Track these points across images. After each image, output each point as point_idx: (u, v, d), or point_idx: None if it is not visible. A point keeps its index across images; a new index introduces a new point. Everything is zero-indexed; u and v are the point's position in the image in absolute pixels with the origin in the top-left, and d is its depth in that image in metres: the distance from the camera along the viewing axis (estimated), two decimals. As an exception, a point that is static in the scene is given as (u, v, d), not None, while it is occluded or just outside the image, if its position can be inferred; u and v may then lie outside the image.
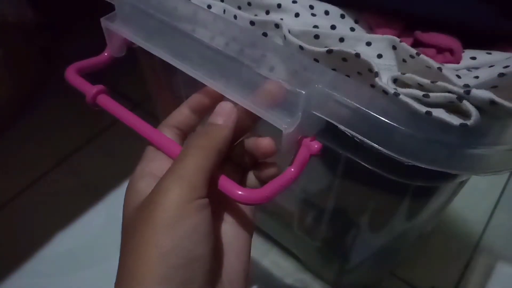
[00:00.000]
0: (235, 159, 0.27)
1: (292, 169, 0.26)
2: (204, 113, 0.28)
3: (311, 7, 0.28)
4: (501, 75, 0.23)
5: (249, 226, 0.26)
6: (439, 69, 0.24)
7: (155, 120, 0.36)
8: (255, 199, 0.24)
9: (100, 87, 0.30)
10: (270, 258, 0.48)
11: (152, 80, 0.41)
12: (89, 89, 0.30)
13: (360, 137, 0.23)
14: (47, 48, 0.66)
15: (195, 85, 0.31)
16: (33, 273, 0.46)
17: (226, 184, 0.25)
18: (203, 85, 0.28)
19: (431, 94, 0.23)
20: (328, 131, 0.25)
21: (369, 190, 0.30)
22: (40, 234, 0.50)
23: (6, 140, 0.58)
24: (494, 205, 0.54)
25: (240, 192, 0.24)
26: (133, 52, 0.33)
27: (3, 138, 0.58)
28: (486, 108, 0.22)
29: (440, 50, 0.27)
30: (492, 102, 0.22)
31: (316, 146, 0.26)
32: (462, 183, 0.33)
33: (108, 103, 0.30)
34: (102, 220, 0.51)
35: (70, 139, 0.59)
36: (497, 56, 0.26)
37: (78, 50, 0.70)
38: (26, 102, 0.62)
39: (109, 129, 0.60)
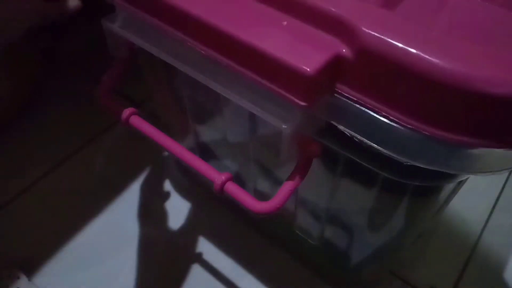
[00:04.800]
0: None
1: (296, 175, 0.27)
2: None
3: None
4: None
5: None
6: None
7: (156, 120, 0.36)
8: (267, 209, 0.27)
9: (132, 109, 0.32)
10: (270, 257, 0.48)
11: (152, 80, 0.41)
12: (123, 112, 0.32)
13: (359, 137, 0.24)
14: (47, 48, 0.66)
15: (195, 85, 0.31)
16: (35, 273, 0.47)
17: (240, 194, 0.28)
18: (204, 85, 0.28)
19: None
20: (328, 131, 0.25)
21: (368, 189, 0.30)
22: (40, 234, 0.50)
23: (6, 140, 0.58)
24: (493, 205, 0.54)
25: (253, 203, 0.27)
26: (134, 53, 0.33)
27: (3, 138, 0.59)
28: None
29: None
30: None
31: (316, 148, 0.26)
32: (461, 183, 0.34)
33: (140, 123, 0.32)
34: (103, 220, 0.51)
35: (71, 140, 0.59)
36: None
37: (79, 50, 0.71)
38: (26, 102, 0.62)
39: (110, 129, 0.60)
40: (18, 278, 0.45)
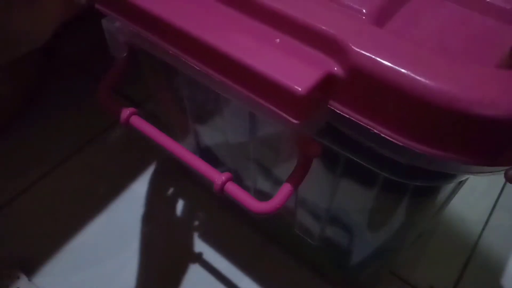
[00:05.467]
0: None
1: (296, 176, 0.27)
2: None
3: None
4: None
5: None
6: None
7: (156, 120, 0.36)
8: (267, 209, 0.27)
9: (132, 109, 0.32)
10: (270, 257, 0.48)
11: (152, 80, 0.41)
12: (123, 112, 0.32)
13: (359, 137, 0.24)
14: (47, 48, 0.66)
15: (195, 86, 0.31)
16: (35, 273, 0.47)
17: (240, 194, 0.28)
18: (204, 85, 0.28)
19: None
20: (328, 131, 0.25)
21: (368, 189, 0.30)
22: (40, 234, 0.50)
23: (6, 140, 0.58)
24: (493, 205, 0.54)
25: (253, 203, 0.27)
26: (134, 53, 0.33)
27: (3, 138, 0.59)
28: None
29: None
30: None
31: (316, 148, 0.26)
32: (461, 183, 0.34)
33: (140, 123, 0.32)
34: (103, 220, 0.51)
35: (71, 140, 0.59)
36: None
37: (79, 50, 0.71)
38: (26, 102, 0.62)
39: (110, 129, 0.60)
40: (18, 278, 0.45)
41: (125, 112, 0.32)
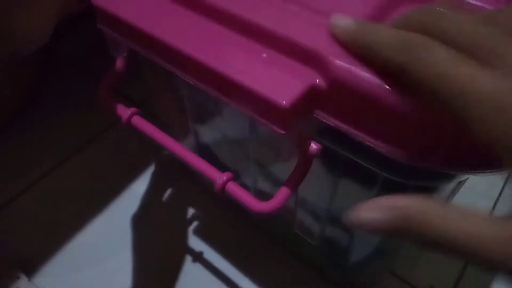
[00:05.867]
0: None
1: (296, 176, 0.27)
2: None
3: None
4: None
5: None
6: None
7: (156, 120, 0.36)
8: (267, 209, 0.27)
9: (133, 110, 0.32)
10: (270, 257, 0.48)
11: (153, 80, 0.41)
12: (124, 112, 0.32)
13: (359, 137, 0.24)
14: (47, 48, 0.66)
15: (194, 86, 0.31)
16: (35, 273, 0.47)
17: (241, 194, 0.28)
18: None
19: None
20: (328, 131, 0.25)
21: (368, 189, 0.30)
22: (40, 234, 0.50)
23: (6, 140, 0.58)
24: (493, 205, 0.54)
25: (254, 203, 0.27)
26: (134, 53, 0.33)
27: (3, 138, 0.59)
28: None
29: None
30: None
31: (316, 148, 0.26)
32: (460, 183, 0.34)
33: (142, 124, 0.32)
34: (103, 221, 0.51)
35: (71, 140, 0.59)
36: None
37: (79, 50, 0.71)
38: (26, 102, 0.62)
39: (110, 129, 0.60)
40: (18, 278, 0.45)
41: (127, 112, 0.32)
